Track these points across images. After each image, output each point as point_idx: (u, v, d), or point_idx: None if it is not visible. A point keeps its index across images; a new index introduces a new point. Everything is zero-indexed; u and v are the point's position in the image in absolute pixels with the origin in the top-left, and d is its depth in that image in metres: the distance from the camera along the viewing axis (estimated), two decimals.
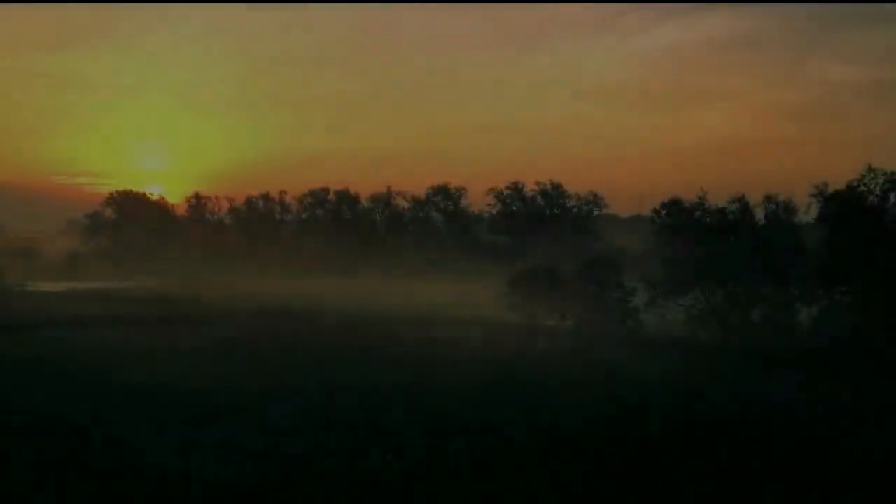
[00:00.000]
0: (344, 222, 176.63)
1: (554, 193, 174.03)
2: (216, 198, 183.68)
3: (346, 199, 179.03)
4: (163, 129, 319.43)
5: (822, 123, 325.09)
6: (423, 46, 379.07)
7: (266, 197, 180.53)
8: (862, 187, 54.81)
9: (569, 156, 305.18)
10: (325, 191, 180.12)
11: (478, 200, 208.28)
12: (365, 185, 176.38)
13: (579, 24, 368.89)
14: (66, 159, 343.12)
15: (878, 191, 54.54)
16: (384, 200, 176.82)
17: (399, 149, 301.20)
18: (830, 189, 57.15)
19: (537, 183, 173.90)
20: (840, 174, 56.74)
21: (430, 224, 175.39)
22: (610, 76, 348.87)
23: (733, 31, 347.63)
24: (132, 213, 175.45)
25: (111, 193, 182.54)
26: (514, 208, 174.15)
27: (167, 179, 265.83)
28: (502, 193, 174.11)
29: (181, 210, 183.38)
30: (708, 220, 59.96)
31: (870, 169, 54.74)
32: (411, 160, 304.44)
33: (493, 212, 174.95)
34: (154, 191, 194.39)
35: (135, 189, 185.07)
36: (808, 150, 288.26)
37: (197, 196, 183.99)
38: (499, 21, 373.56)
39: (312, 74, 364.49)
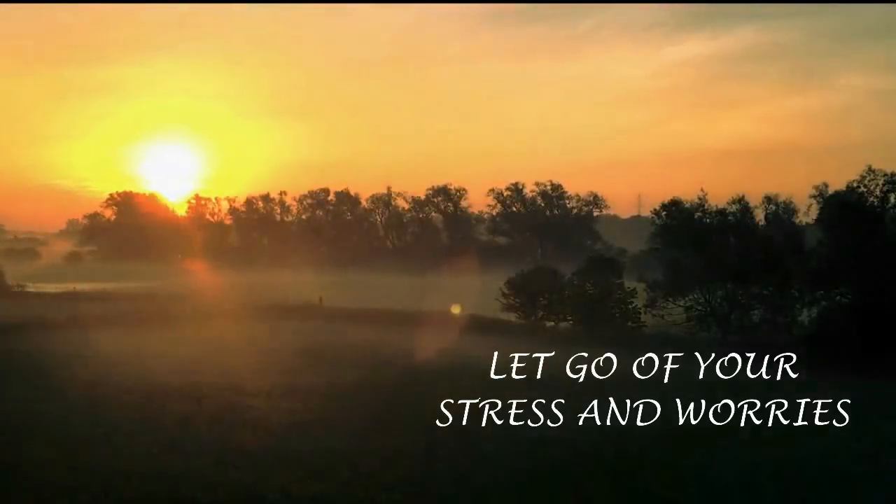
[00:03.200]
0: (344, 223, 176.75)
1: (554, 194, 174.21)
2: (217, 199, 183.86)
3: (347, 200, 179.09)
4: (179, 135, 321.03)
5: (840, 128, 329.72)
6: (459, 56, 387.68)
7: (266, 198, 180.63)
8: (862, 188, 54.79)
9: (594, 159, 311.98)
10: (325, 192, 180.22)
11: (479, 201, 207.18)
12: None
13: (609, 35, 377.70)
14: (89, 165, 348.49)
15: (878, 192, 54.52)
16: (384, 201, 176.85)
17: (426, 154, 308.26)
18: (831, 190, 57.26)
19: (537, 184, 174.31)
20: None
21: (430, 224, 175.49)
22: (638, 84, 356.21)
23: (758, 42, 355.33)
24: (131, 213, 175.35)
25: (111, 195, 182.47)
26: (514, 209, 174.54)
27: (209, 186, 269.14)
28: (502, 194, 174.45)
29: (181, 211, 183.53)
30: (707, 220, 59.85)
31: (870, 170, 54.73)
32: (436, 164, 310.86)
33: (493, 213, 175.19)
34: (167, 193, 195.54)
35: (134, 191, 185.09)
36: (824, 153, 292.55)
37: (197, 197, 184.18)
38: (531, 32, 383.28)
39: (348, 83, 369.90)
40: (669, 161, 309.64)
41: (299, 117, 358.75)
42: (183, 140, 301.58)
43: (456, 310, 55.95)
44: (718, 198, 60.77)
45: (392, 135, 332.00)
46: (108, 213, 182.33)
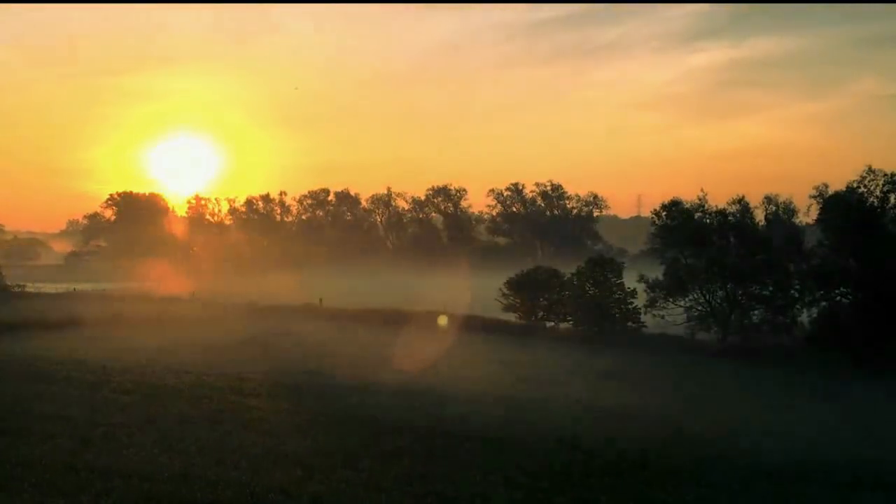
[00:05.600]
0: (344, 223, 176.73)
1: (554, 195, 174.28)
2: (217, 199, 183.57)
3: (347, 200, 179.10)
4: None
5: (852, 132, 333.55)
6: (488, 64, 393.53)
7: (266, 198, 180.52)
8: (862, 188, 54.74)
9: (614, 163, 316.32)
10: (325, 192, 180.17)
11: (479, 201, 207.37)
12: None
13: (634, 42, 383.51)
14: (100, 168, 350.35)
15: (877, 192, 54.48)
16: (384, 201, 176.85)
17: (449, 158, 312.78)
18: (831, 190, 57.17)
19: (537, 184, 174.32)
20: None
21: (430, 224, 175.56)
22: (656, 90, 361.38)
23: (776, 50, 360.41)
24: (131, 214, 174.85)
25: (111, 195, 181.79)
26: (514, 209, 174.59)
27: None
28: (502, 194, 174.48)
29: (182, 211, 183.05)
30: (708, 221, 59.84)
31: (870, 170, 54.68)
32: (451, 169, 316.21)
33: (493, 213, 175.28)
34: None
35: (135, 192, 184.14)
36: (835, 156, 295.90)
37: (197, 198, 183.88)
38: (554, 41, 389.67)
39: (372, 91, 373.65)
40: (686, 164, 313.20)
41: (310, 125, 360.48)
42: (197, 145, 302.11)
43: (442, 321, 56.35)
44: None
45: (407, 141, 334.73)
46: (108, 214, 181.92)
